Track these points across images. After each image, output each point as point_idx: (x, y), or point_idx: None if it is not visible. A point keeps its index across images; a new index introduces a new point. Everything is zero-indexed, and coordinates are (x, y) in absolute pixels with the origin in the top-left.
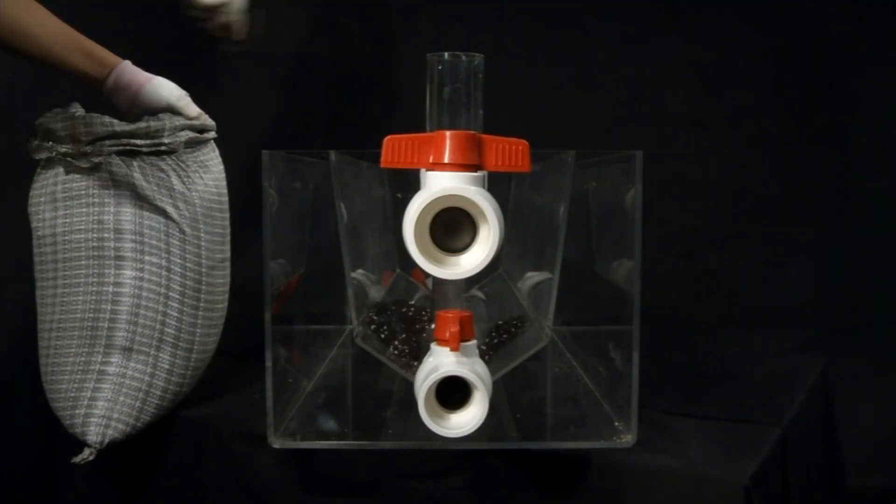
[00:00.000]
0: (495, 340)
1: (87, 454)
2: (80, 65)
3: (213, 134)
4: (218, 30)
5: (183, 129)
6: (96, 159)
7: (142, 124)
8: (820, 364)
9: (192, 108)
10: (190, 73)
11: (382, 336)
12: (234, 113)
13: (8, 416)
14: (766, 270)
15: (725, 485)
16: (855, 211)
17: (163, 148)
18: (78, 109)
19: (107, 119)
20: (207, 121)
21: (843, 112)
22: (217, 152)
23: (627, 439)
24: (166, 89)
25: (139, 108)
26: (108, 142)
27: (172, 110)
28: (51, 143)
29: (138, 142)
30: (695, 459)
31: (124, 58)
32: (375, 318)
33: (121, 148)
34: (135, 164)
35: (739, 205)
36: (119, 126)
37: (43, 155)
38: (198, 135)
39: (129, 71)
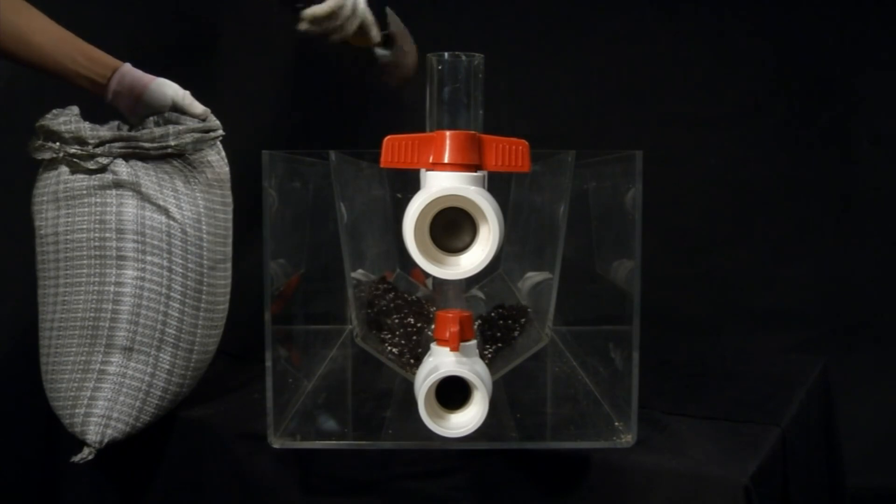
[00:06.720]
0: (498, 333)
1: (86, 453)
2: (82, 70)
3: (219, 133)
4: (340, 40)
5: (188, 131)
6: (104, 160)
7: (146, 131)
8: (820, 364)
9: (197, 106)
10: (190, 73)
11: (382, 336)
12: (235, 113)
13: (8, 415)
14: (766, 270)
15: (725, 485)
16: (855, 211)
17: (169, 150)
18: (76, 112)
19: (112, 123)
20: (213, 120)
21: (843, 112)
22: (223, 152)
23: (627, 439)
24: (170, 89)
25: (143, 110)
26: (115, 144)
27: (177, 110)
28: (57, 143)
29: (146, 145)
30: (695, 459)
31: (123, 60)
32: (375, 317)
33: (129, 151)
34: (138, 163)
35: (739, 205)
36: (124, 132)
37: (47, 156)
38: (203, 134)
39: (131, 73)
